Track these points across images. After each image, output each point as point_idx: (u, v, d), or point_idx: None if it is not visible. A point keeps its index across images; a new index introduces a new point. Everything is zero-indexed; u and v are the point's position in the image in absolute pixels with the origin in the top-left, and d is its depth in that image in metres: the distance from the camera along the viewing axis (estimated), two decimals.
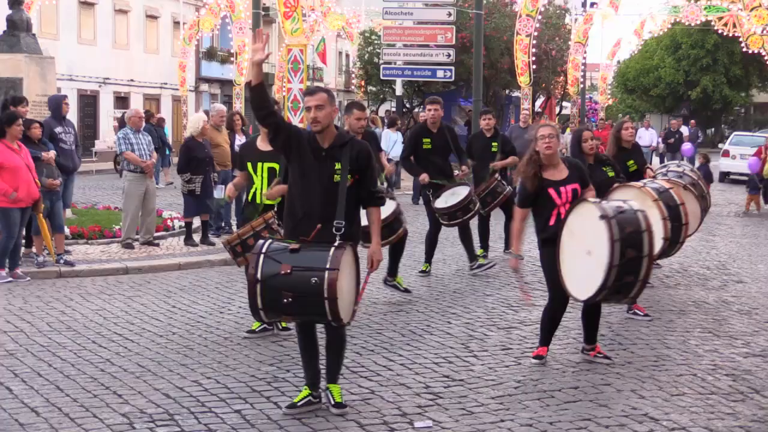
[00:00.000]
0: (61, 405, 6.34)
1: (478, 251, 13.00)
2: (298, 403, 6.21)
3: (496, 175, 12.68)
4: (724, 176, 30.62)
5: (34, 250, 11.67)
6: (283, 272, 5.64)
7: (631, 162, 10.49)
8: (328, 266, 5.61)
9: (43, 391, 6.67)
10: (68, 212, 14.02)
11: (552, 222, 7.39)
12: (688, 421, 6.26)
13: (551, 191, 7.37)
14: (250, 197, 8.37)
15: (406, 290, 10.35)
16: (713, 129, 67.66)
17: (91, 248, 12.98)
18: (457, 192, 11.26)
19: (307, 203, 6.02)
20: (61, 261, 11.46)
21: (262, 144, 8.22)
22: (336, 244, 5.80)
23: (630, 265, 6.94)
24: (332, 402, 6.20)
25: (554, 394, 6.80)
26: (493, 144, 12.92)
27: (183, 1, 40.67)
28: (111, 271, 11.55)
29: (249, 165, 8.29)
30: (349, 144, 6.06)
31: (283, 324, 8.32)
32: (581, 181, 7.47)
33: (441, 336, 8.48)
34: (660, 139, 32.05)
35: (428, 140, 11.48)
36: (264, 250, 5.78)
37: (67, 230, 12.94)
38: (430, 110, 11.54)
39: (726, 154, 30.78)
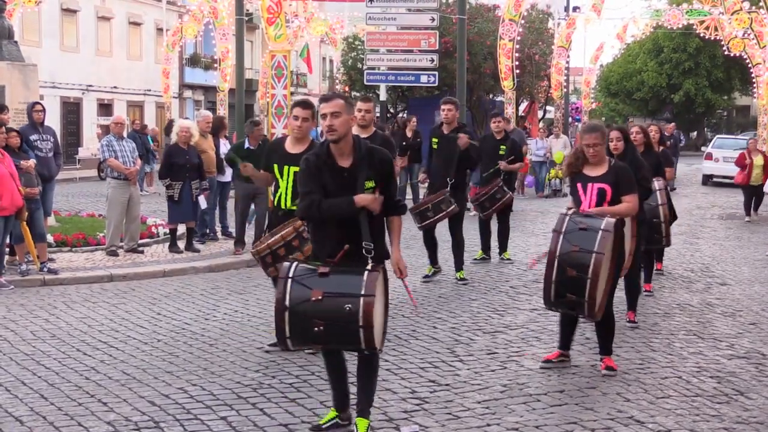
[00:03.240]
0: (46, 414, 6.31)
1: (478, 254, 13.09)
2: (324, 426, 5.93)
3: (498, 179, 12.70)
4: (707, 179, 30.77)
5: (17, 258, 11.60)
6: (314, 299, 5.27)
7: None
8: (363, 292, 5.25)
9: (28, 399, 6.63)
10: (51, 220, 13.95)
11: None
12: (674, 423, 6.28)
13: (579, 185, 7.48)
14: (275, 202, 7.88)
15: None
16: (696, 132, 67.98)
17: (75, 256, 12.92)
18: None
19: (332, 223, 5.66)
20: (45, 269, 11.41)
21: (291, 146, 7.78)
22: (369, 267, 5.44)
23: (571, 283, 6.91)
24: None
25: (540, 397, 6.81)
26: (502, 147, 13.01)
27: (166, 7, 40.59)
28: (95, 279, 11.51)
29: (275, 167, 7.79)
30: (369, 154, 5.70)
31: None
32: (615, 185, 7.35)
33: (427, 341, 8.48)
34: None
35: (437, 140, 11.51)
36: (291, 274, 5.39)
37: (50, 238, 12.89)
38: (443, 110, 11.43)
39: (709, 157, 30.90)
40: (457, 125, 11.40)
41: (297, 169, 7.58)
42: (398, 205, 5.86)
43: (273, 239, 7.53)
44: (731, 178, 30.01)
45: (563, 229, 6.99)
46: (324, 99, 5.70)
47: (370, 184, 5.61)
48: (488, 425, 6.18)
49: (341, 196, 5.60)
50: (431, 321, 9.33)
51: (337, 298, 5.26)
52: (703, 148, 44.55)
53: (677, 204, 22.54)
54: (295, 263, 5.53)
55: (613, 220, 7.05)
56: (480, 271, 12.35)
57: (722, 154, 30.36)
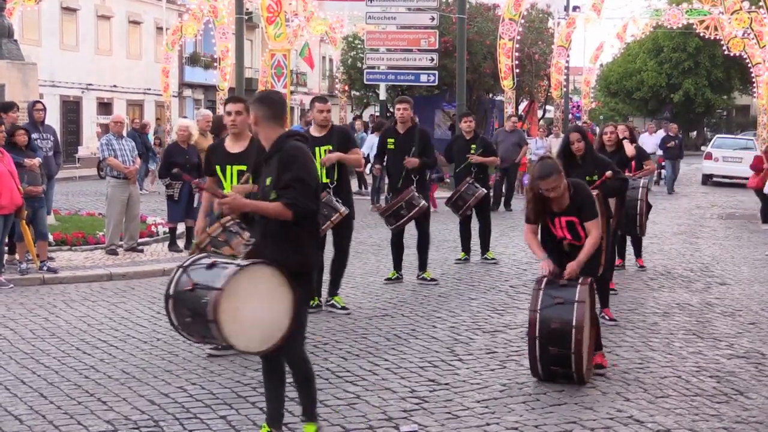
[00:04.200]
0: (45, 412, 6.30)
1: (460, 254, 13.02)
2: None
3: (469, 177, 12.59)
4: (707, 179, 30.77)
5: (17, 257, 11.60)
6: (187, 288, 5.20)
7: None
8: (218, 285, 5.05)
9: (27, 398, 6.63)
10: (51, 218, 13.93)
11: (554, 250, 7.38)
12: (673, 423, 6.28)
13: (548, 221, 7.33)
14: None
15: (344, 308, 9.70)
16: (696, 132, 68.03)
17: (74, 255, 12.91)
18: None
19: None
20: (44, 268, 11.40)
21: (231, 145, 7.77)
22: (237, 262, 5.26)
23: (555, 359, 6.96)
24: None
25: (539, 397, 6.81)
26: (472, 147, 12.80)
27: (166, 6, 40.57)
28: (95, 278, 11.50)
29: (217, 168, 7.80)
30: (279, 152, 5.45)
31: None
32: (580, 214, 7.21)
33: (426, 340, 8.48)
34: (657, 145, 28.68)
35: (392, 140, 11.24)
36: (185, 264, 5.37)
37: (50, 237, 12.88)
38: (399, 109, 11.22)
39: (709, 156, 30.89)
40: (411, 124, 11.23)
41: (241, 167, 7.62)
42: (285, 194, 5.36)
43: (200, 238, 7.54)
44: (731, 177, 30.09)
45: (538, 307, 7.00)
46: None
47: (269, 180, 5.45)
48: (488, 425, 6.18)
49: (260, 182, 5.69)
50: (431, 320, 9.33)
51: (201, 290, 5.14)
52: (702, 148, 44.54)
53: (677, 204, 22.66)
54: (200, 255, 5.57)
55: (586, 287, 7.04)
56: (479, 271, 12.35)
57: (722, 153, 30.37)
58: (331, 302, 9.71)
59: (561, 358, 6.93)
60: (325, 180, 9.28)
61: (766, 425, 6.31)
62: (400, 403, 6.60)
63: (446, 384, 7.10)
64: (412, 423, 6.16)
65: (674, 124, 29.76)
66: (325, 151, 9.44)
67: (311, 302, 9.18)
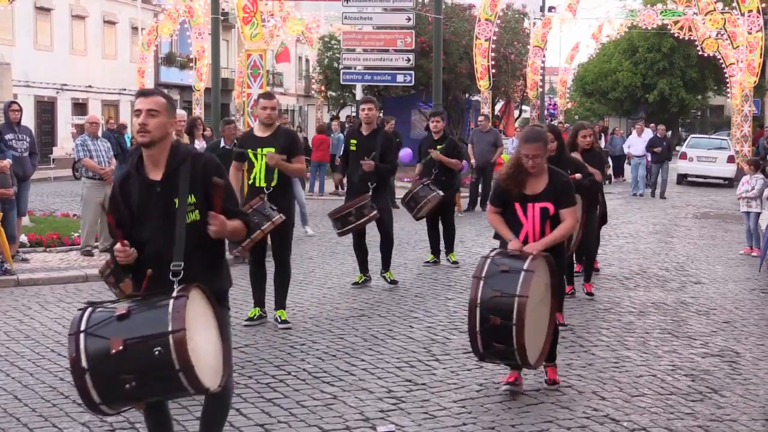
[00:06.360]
0: (20, 415, 6.26)
1: (429, 257, 12.84)
2: None
3: (424, 179, 12.21)
4: (682, 178, 30.97)
5: None
6: (114, 350, 4.18)
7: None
8: (170, 328, 4.18)
9: (1, 401, 6.58)
10: (26, 220, 13.85)
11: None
12: (649, 421, 6.32)
13: (518, 206, 6.73)
14: None
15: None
16: (670, 132, 68.40)
17: (49, 256, 12.84)
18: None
19: (147, 248, 4.69)
20: (1, 269, 11.16)
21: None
22: (174, 294, 4.33)
23: (495, 332, 6.31)
24: None
25: (516, 396, 6.82)
26: (438, 147, 12.40)
27: (141, 6, 40.41)
28: (70, 279, 11.43)
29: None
30: (191, 162, 4.68)
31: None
32: (556, 202, 6.67)
33: (403, 340, 8.49)
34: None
35: (355, 142, 10.88)
36: (83, 327, 4.26)
37: (24, 238, 12.79)
38: (363, 110, 10.78)
39: (683, 156, 31.10)
40: (376, 126, 10.88)
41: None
42: (239, 214, 4.80)
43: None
44: (705, 177, 30.30)
45: (483, 274, 6.39)
46: (142, 93, 4.73)
47: (192, 199, 4.63)
48: (464, 424, 6.19)
49: (152, 216, 4.66)
50: (408, 320, 9.34)
51: (143, 342, 4.20)
52: (677, 148, 44.81)
53: (652, 204, 22.79)
54: (89, 310, 4.37)
55: (538, 259, 6.43)
56: (456, 271, 12.36)
57: (696, 153, 30.60)
58: (275, 316, 9.06)
59: (503, 331, 6.31)
60: (261, 184, 8.79)
61: (740, 423, 6.36)
62: (377, 403, 6.60)
63: (423, 384, 7.11)
64: (389, 423, 6.17)
65: (662, 125, 28.25)
66: (267, 153, 8.78)
67: (250, 314, 9.07)
